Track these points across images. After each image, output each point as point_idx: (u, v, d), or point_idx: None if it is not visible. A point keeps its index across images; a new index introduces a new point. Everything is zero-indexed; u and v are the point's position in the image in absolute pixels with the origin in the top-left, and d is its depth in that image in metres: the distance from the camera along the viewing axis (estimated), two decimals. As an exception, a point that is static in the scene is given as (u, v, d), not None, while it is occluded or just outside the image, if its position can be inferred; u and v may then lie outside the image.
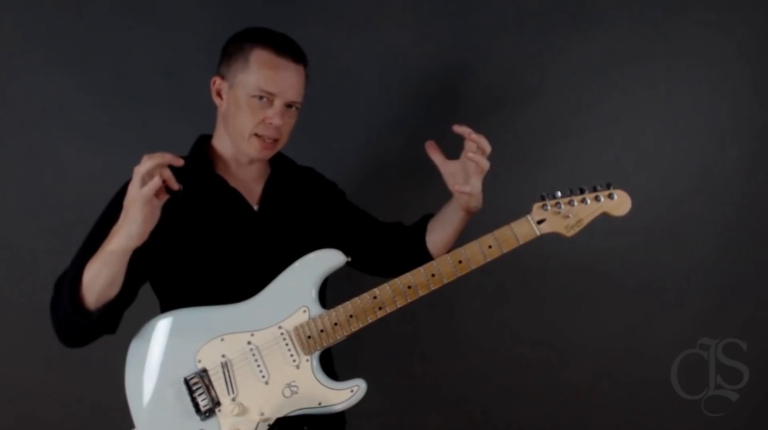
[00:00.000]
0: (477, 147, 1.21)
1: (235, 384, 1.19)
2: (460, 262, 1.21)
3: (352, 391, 1.20)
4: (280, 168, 1.41)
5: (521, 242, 1.21)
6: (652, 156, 1.87)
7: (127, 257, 1.10)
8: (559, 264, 1.89)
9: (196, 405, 1.17)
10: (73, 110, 1.76)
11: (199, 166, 1.30)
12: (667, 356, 1.92)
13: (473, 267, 1.22)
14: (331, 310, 1.21)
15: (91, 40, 1.75)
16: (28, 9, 1.72)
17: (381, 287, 1.22)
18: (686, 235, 1.89)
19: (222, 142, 1.34)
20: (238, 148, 1.30)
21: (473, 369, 1.95)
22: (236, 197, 1.31)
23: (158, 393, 1.18)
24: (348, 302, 1.22)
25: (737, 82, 1.84)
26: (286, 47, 1.27)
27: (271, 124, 1.26)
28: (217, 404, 1.18)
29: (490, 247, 1.21)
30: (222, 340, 1.20)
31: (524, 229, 1.21)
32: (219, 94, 1.31)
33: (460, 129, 1.20)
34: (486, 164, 1.22)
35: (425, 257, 1.37)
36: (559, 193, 1.21)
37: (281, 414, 1.18)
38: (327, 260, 1.24)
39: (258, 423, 1.17)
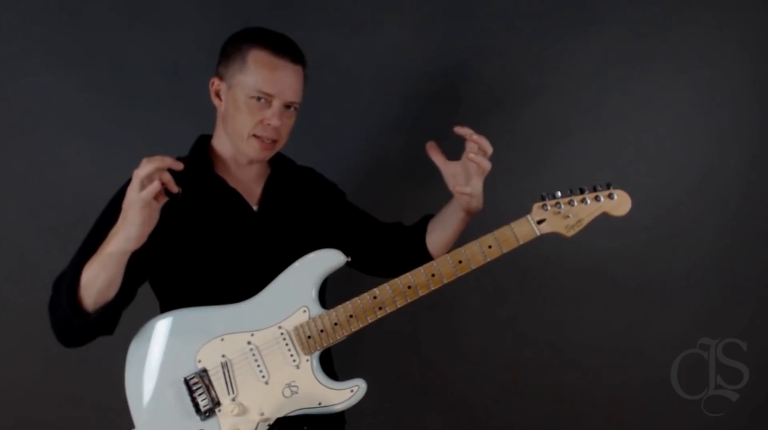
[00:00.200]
0: (478, 148, 1.21)
1: (235, 384, 1.19)
2: (460, 262, 1.21)
3: (352, 391, 1.20)
4: (280, 168, 1.41)
5: (521, 242, 1.21)
6: (652, 156, 1.87)
7: (125, 260, 1.09)
8: (559, 264, 1.89)
9: (196, 405, 1.17)
10: (73, 110, 1.76)
11: (199, 166, 1.30)
12: (667, 356, 1.92)
13: (473, 267, 1.21)
14: (331, 310, 1.21)
15: (91, 40, 1.75)
16: (28, 9, 1.72)
17: (381, 287, 1.22)
18: (686, 235, 1.89)
19: (221, 143, 1.34)
20: (237, 149, 1.30)
21: (473, 369, 1.95)
22: (236, 198, 1.31)
23: (158, 393, 1.18)
24: (348, 302, 1.22)
25: (737, 82, 1.84)
26: (284, 47, 1.27)
27: (269, 125, 1.25)
28: (217, 404, 1.18)
29: (490, 247, 1.21)
30: (222, 340, 1.20)
31: (524, 229, 1.21)
32: (218, 95, 1.30)
33: (461, 130, 1.20)
34: (487, 165, 1.22)
35: (425, 257, 1.37)
36: (559, 193, 1.21)
37: (281, 414, 1.18)
38: (327, 260, 1.24)
39: (258, 423, 1.17)
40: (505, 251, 1.21)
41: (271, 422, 1.18)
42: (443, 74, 1.85)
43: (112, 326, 1.19)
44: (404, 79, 1.85)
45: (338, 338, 1.21)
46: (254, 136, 1.26)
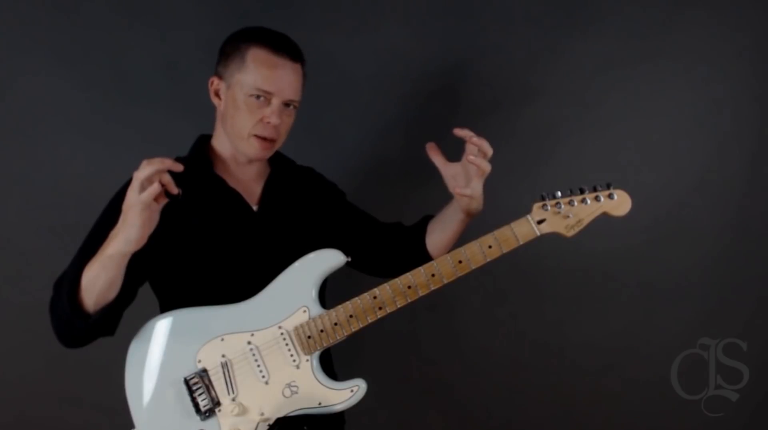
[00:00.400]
0: (478, 150, 1.21)
1: (235, 384, 1.19)
2: (460, 262, 1.21)
3: (352, 391, 1.20)
4: (280, 168, 1.41)
5: (521, 242, 1.21)
6: (652, 156, 1.87)
7: (125, 261, 1.09)
8: (559, 264, 1.89)
9: (196, 405, 1.17)
10: (73, 110, 1.76)
11: (199, 166, 1.30)
12: (667, 356, 1.92)
13: (473, 267, 1.21)
14: (331, 310, 1.21)
15: (91, 39, 1.75)
16: (27, 8, 1.72)
17: (381, 287, 1.22)
18: (686, 235, 1.89)
19: (221, 142, 1.34)
20: (237, 148, 1.30)
21: (473, 369, 1.95)
22: (235, 197, 1.31)
23: (158, 393, 1.18)
24: (348, 302, 1.21)
25: (737, 82, 1.84)
26: (283, 46, 1.27)
27: (269, 123, 1.25)
28: (217, 404, 1.18)
29: (490, 247, 1.21)
30: (222, 340, 1.20)
31: (524, 229, 1.21)
32: (217, 95, 1.30)
33: (461, 132, 1.20)
34: (487, 167, 1.21)
35: (425, 258, 1.37)
36: (559, 193, 1.21)
37: (281, 414, 1.18)
38: (327, 260, 1.24)
39: (258, 423, 1.17)
40: (505, 251, 1.21)
41: (271, 422, 1.18)
42: (443, 74, 1.85)
43: (113, 326, 1.19)
44: (404, 79, 1.85)
45: (338, 338, 1.21)
46: (254, 135, 1.26)
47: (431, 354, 1.96)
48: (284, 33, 1.31)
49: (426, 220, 1.42)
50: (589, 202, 1.20)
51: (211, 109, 1.35)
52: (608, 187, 1.22)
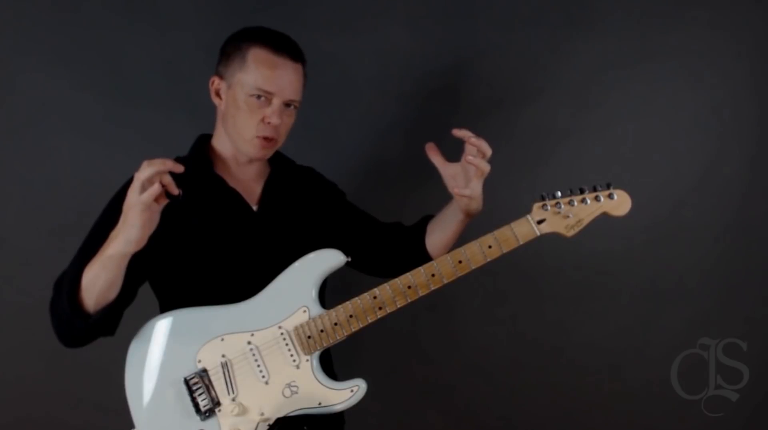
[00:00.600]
0: (477, 150, 1.21)
1: (235, 384, 1.19)
2: (460, 262, 1.21)
3: (352, 391, 1.20)
4: (280, 168, 1.41)
5: (521, 242, 1.21)
6: (652, 156, 1.87)
7: (125, 262, 1.09)
8: (559, 264, 1.89)
9: (196, 405, 1.17)
10: (72, 110, 1.76)
11: (199, 166, 1.30)
12: (667, 356, 1.93)
13: (473, 267, 1.21)
14: (331, 310, 1.21)
15: (91, 39, 1.75)
16: (27, 8, 1.72)
17: (381, 287, 1.22)
18: (686, 235, 1.89)
19: (221, 142, 1.34)
20: (238, 148, 1.30)
21: (473, 369, 1.95)
22: (235, 197, 1.31)
23: (158, 393, 1.18)
24: (348, 302, 1.21)
25: (737, 82, 1.84)
26: (283, 46, 1.27)
27: (269, 123, 1.25)
28: (217, 404, 1.18)
29: (490, 247, 1.21)
30: (222, 340, 1.20)
31: (524, 229, 1.21)
32: (218, 94, 1.30)
33: (459, 133, 1.20)
34: (486, 168, 1.21)
35: (425, 258, 1.37)
36: (559, 193, 1.21)
37: (281, 414, 1.18)
38: (327, 260, 1.24)
39: (258, 423, 1.17)
40: (505, 251, 1.21)
41: (271, 422, 1.18)
42: (443, 74, 1.85)
43: (113, 326, 1.19)
44: (404, 79, 1.85)
45: (338, 338, 1.21)
46: (257, 136, 1.26)
47: (431, 354, 1.96)
48: (285, 33, 1.31)
49: (426, 220, 1.42)
50: (589, 202, 1.20)
51: (211, 109, 1.35)
52: (608, 187, 1.22)
